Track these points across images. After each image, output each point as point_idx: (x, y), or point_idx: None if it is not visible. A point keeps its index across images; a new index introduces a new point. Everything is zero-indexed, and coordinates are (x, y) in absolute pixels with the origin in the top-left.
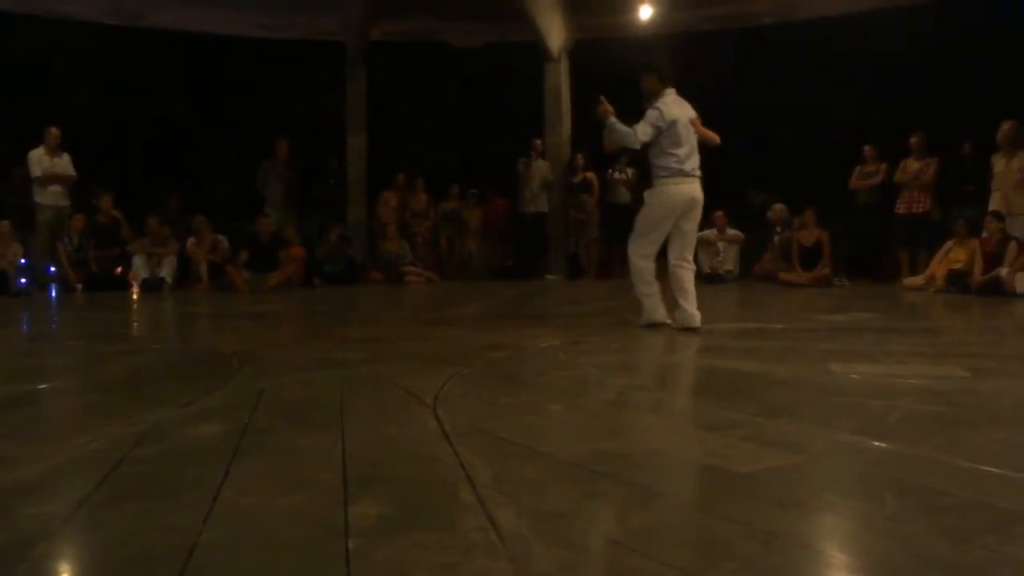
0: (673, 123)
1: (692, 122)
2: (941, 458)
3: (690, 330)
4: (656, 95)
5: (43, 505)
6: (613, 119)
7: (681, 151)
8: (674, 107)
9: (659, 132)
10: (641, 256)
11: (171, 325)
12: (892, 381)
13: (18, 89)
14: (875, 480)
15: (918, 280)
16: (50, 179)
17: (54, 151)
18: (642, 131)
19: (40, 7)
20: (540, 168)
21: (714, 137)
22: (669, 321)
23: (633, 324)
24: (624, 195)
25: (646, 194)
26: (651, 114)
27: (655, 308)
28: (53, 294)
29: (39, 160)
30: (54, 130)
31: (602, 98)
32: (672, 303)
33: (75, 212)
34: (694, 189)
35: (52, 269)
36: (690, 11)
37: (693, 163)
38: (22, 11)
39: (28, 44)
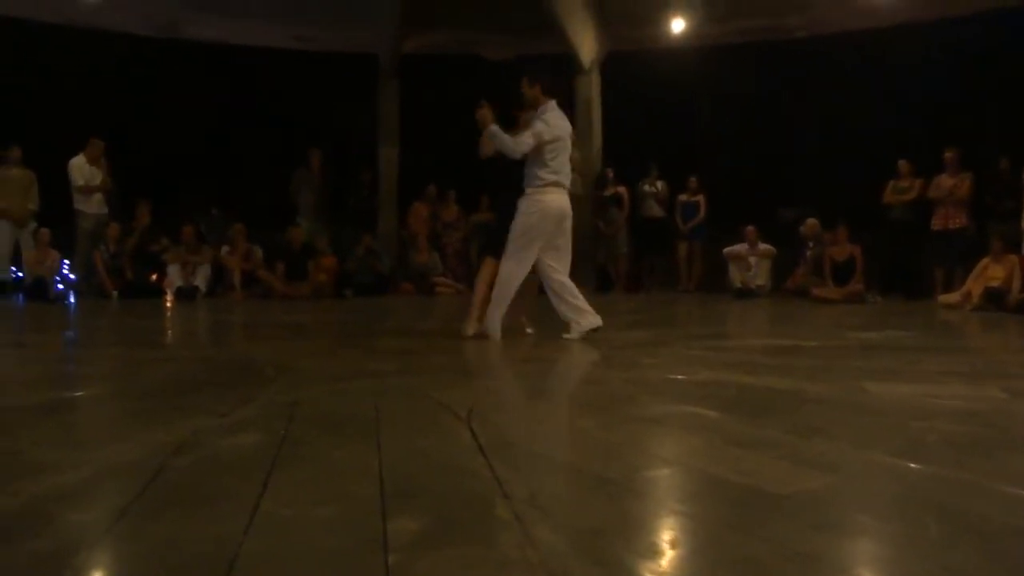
0: (558, 138)
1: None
2: (982, 482)
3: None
4: (538, 106)
5: (84, 512)
6: (494, 127)
7: (557, 162)
8: (560, 121)
9: (541, 144)
10: (514, 269)
11: (206, 333)
12: (928, 401)
13: (58, 99)
14: (914, 503)
15: (954, 297)
16: (91, 188)
17: (95, 161)
18: (524, 144)
19: (79, 19)
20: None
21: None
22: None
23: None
24: (655, 209)
25: (520, 202)
26: (537, 126)
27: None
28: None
29: (80, 169)
30: (98, 142)
31: (483, 103)
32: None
33: (112, 220)
34: (565, 200)
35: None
36: (722, 24)
37: (566, 176)
38: (62, 23)
39: (67, 55)
